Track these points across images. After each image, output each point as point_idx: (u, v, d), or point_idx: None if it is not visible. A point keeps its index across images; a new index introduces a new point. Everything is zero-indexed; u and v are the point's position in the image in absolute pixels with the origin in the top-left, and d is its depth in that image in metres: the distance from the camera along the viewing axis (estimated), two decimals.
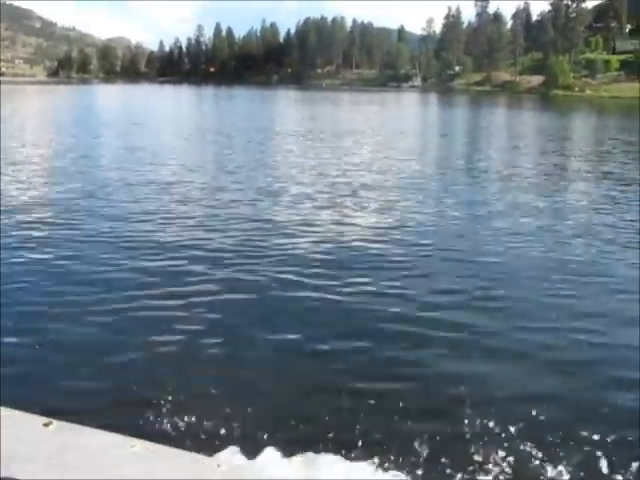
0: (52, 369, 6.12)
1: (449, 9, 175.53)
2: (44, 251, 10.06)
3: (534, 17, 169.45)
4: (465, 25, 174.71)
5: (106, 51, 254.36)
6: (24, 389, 5.59)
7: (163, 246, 10.65)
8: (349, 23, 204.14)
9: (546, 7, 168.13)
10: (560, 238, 11.80)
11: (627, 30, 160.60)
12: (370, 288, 8.72)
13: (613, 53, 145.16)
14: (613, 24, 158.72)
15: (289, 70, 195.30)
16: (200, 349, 6.68)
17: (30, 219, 12.29)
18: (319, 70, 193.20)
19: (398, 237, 11.54)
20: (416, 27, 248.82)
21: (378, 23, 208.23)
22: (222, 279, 8.98)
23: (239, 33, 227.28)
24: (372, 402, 5.60)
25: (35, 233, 11.22)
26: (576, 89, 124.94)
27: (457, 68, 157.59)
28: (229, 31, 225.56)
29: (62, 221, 12.37)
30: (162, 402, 5.42)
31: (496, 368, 6.43)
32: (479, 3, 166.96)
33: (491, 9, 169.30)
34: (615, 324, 7.60)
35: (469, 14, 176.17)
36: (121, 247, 10.45)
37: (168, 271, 9.31)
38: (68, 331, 7.01)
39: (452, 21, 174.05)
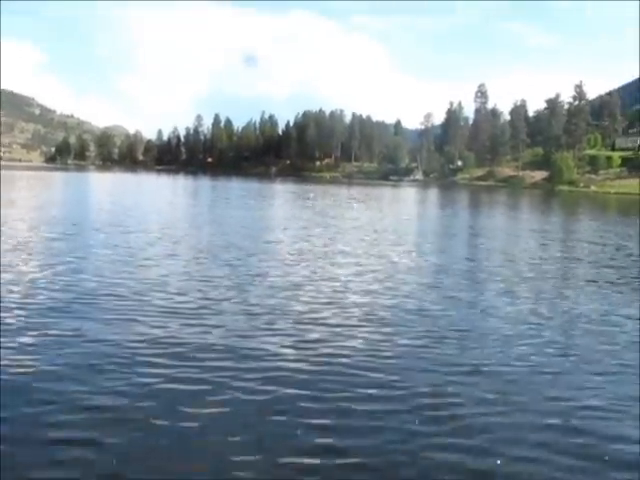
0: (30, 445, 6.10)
1: (451, 104, 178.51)
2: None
3: (530, 113, 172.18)
4: (462, 121, 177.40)
5: (104, 138, 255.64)
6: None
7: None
8: (348, 116, 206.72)
9: (542, 104, 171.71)
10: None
11: (622, 128, 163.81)
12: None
13: (612, 150, 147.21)
14: (606, 122, 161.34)
15: (288, 162, 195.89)
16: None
17: None
18: (318, 162, 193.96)
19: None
20: (409, 122, 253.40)
21: (374, 117, 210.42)
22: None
23: (238, 124, 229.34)
24: None
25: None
26: (581, 185, 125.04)
27: (459, 162, 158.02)
28: (228, 122, 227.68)
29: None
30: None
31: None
32: (478, 99, 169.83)
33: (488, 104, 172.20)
34: None
35: (466, 110, 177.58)
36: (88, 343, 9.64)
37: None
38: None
39: (454, 116, 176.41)
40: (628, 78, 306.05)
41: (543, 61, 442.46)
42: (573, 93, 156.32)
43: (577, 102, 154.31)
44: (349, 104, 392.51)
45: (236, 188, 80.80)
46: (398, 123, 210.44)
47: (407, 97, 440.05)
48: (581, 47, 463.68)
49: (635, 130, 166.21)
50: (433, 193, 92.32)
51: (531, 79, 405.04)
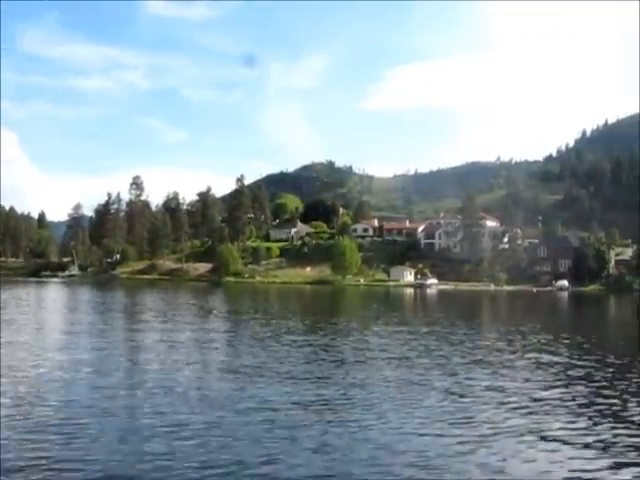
0: None
1: (109, 195, 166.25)
2: None
3: (185, 206, 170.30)
4: (116, 213, 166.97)
5: None
6: None
7: None
8: None
9: (194, 197, 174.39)
10: None
11: (269, 220, 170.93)
12: None
13: (267, 241, 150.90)
14: (251, 215, 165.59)
15: None
16: None
17: None
18: None
19: None
20: (56, 215, 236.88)
21: (18, 210, 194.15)
22: None
23: None
24: None
25: None
26: (246, 275, 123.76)
27: (118, 256, 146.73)
28: None
29: None
30: None
31: None
32: (133, 191, 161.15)
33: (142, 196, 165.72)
34: None
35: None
36: None
37: None
38: None
39: (108, 207, 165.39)
40: (267, 172, 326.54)
41: (181, 154, 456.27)
42: (234, 186, 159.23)
43: (238, 195, 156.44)
44: None
45: None
46: (42, 215, 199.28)
47: (48, 188, 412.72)
48: (212, 142, 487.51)
49: (279, 221, 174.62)
50: (86, 292, 79.79)
51: (175, 171, 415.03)
